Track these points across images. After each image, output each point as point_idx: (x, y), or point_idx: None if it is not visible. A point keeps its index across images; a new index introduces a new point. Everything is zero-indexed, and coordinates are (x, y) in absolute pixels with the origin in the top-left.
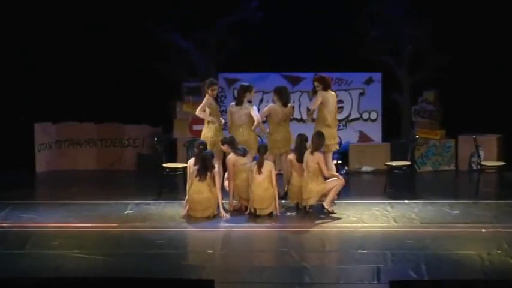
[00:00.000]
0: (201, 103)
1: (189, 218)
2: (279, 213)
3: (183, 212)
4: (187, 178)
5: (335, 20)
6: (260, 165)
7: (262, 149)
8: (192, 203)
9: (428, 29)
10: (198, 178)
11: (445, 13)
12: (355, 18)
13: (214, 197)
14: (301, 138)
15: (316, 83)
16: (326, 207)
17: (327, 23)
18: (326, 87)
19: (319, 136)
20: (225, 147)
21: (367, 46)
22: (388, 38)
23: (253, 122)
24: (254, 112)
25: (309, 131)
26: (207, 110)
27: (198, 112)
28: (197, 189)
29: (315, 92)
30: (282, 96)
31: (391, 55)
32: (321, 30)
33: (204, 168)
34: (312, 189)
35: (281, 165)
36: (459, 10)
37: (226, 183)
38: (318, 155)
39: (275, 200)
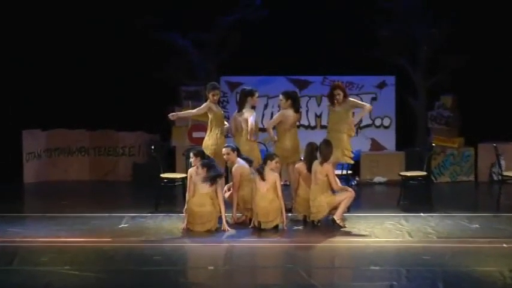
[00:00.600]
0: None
1: (188, 231)
2: (285, 227)
3: (182, 225)
4: (187, 189)
5: (344, 19)
6: (264, 175)
7: (269, 158)
8: (191, 216)
9: (446, 28)
10: (208, 185)
11: (464, 10)
12: (366, 16)
13: (216, 210)
14: (312, 147)
15: (338, 91)
16: (336, 221)
17: (336, 22)
18: (346, 94)
19: (327, 145)
20: (233, 155)
21: (379, 47)
22: (402, 38)
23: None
24: (250, 118)
25: (317, 139)
26: (209, 115)
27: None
28: (198, 201)
29: (333, 100)
30: (296, 101)
31: (405, 56)
32: (329, 29)
33: (213, 177)
34: (321, 202)
35: (287, 175)
36: (479, 7)
37: (227, 194)
38: (327, 167)
39: (281, 212)
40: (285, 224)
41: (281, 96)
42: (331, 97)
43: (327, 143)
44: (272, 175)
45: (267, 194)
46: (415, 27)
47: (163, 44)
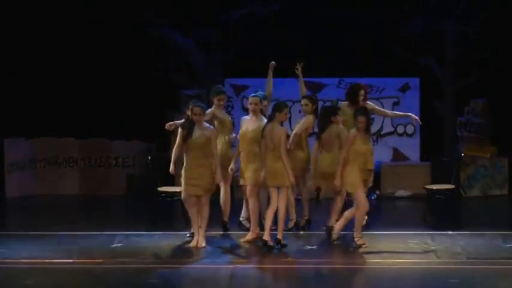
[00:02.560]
0: None
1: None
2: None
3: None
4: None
5: (363, 14)
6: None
7: (278, 109)
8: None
9: (478, 23)
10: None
11: (499, 3)
12: (389, 10)
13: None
14: (327, 110)
15: (362, 91)
16: (355, 239)
17: (353, 17)
18: (366, 96)
19: (362, 113)
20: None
21: (402, 45)
22: (429, 34)
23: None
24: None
25: None
26: (215, 123)
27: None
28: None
29: (358, 100)
30: (317, 106)
31: (432, 56)
32: (345, 26)
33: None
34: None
35: (298, 189)
36: None
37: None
38: (352, 133)
39: (287, 173)
40: (291, 180)
41: (306, 101)
42: (356, 97)
43: (364, 112)
44: (279, 130)
45: (273, 153)
46: (443, 22)
47: (161, 43)
